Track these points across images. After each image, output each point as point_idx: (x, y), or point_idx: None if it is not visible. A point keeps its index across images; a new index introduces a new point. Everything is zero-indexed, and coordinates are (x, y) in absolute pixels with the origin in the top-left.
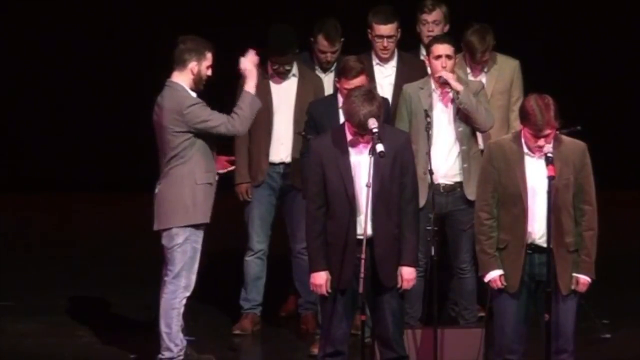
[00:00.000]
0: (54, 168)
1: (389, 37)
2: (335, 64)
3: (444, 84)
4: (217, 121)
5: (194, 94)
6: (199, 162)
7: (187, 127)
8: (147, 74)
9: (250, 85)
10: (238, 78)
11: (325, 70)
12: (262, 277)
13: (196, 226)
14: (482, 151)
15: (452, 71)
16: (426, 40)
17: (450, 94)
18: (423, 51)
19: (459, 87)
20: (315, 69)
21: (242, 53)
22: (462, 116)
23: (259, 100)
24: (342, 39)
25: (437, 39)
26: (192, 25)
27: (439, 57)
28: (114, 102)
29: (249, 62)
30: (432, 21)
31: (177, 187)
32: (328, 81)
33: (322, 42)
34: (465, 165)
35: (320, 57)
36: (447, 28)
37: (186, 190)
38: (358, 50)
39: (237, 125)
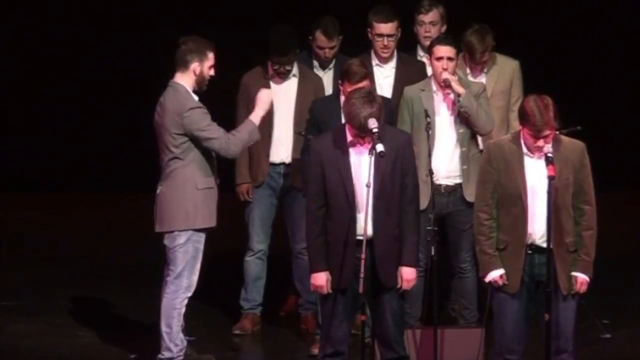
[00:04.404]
0: (54, 168)
1: (389, 36)
2: (333, 62)
3: (446, 86)
4: (213, 134)
5: (196, 97)
6: (199, 165)
7: (184, 130)
8: (149, 75)
9: (257, 115)
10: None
11: (324, 67)
12: (262, 277)
13: (198, 228)
14: (482, 152)
15: (454, 73)
16: (423, 40)
17: (452, 96)
18: (420, 52)
19: (460, 89)
20: (313, 67)
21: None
22: (462, 118)
23: (258, 133)
24: (341, 36)
25: (440, 41)
26: (191, 26)
27: (440, 58)
28: (114, 102)
29: (267, 95)
30: (429, 22)
31: (178, 191)
32: (327, 79)
33: (320, 38)
34: (464, 167)
35: (319, 53)
36: (444, 28)
37: (187, 195)
38: (356, 51)
39: (231, 145)
